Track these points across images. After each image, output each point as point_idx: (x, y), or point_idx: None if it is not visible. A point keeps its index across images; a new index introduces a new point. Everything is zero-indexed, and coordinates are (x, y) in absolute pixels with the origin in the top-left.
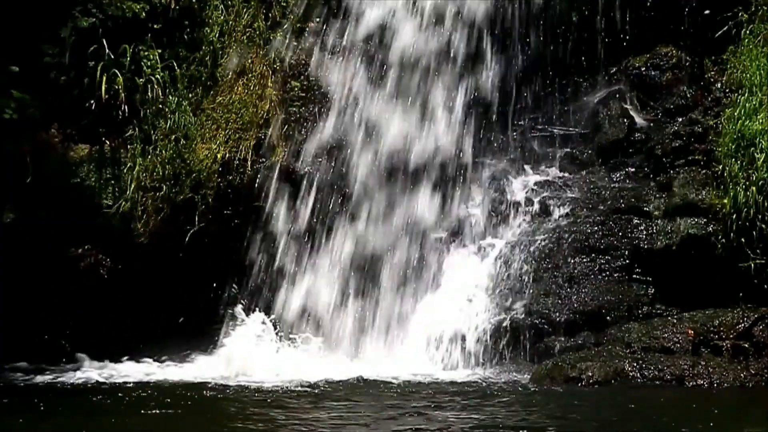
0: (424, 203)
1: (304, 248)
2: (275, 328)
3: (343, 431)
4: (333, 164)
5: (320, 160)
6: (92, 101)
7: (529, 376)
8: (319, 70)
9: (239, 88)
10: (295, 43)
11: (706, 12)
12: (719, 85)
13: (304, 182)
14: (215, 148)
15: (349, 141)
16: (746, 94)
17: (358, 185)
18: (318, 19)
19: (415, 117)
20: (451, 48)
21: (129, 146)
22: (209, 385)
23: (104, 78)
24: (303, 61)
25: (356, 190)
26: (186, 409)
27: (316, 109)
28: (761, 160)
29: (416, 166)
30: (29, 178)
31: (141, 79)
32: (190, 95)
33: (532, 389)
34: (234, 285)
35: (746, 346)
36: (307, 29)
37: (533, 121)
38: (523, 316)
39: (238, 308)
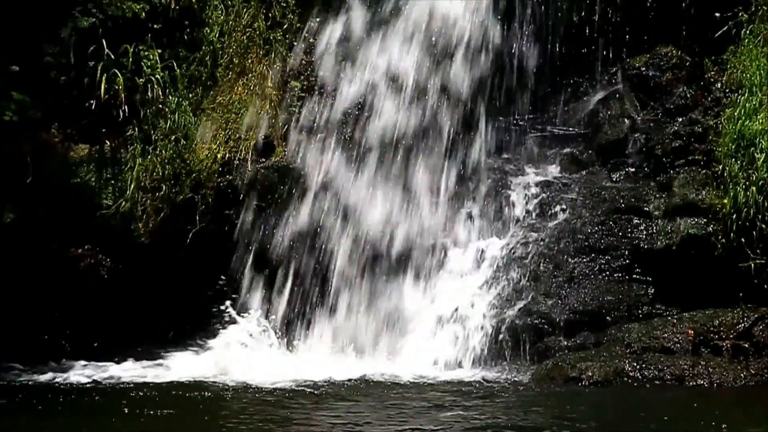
0: (408, 293)
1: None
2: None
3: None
4: (310, 251)
5: (297, 247)
6: (92, 101)
7: (529, 376)
8: (294, 150)
9: (239, 88)
10: (270, 120)
11: (716, 15)
12: (719, 85)
13: (280, 271)
14: (215, 148)
15: (326, 227)
16: (746, 94)
17: (337, 275)
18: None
19: (398, 199)
20: (437, 124)
21: (129, 146)
22: (209, 386)
23: (104, 78)
24: (279, 136)
25: (335, 280)
26: (185, 410)
27: (293, 192)
28: (761, 160)
29: (400, 253)
30: (29, 178)
31: (141, 79)
32: (190, 95)
33: (533, 389)
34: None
35: (746, 346)
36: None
37: (533, 122)
38: (523, 316)
39: (237, 309)
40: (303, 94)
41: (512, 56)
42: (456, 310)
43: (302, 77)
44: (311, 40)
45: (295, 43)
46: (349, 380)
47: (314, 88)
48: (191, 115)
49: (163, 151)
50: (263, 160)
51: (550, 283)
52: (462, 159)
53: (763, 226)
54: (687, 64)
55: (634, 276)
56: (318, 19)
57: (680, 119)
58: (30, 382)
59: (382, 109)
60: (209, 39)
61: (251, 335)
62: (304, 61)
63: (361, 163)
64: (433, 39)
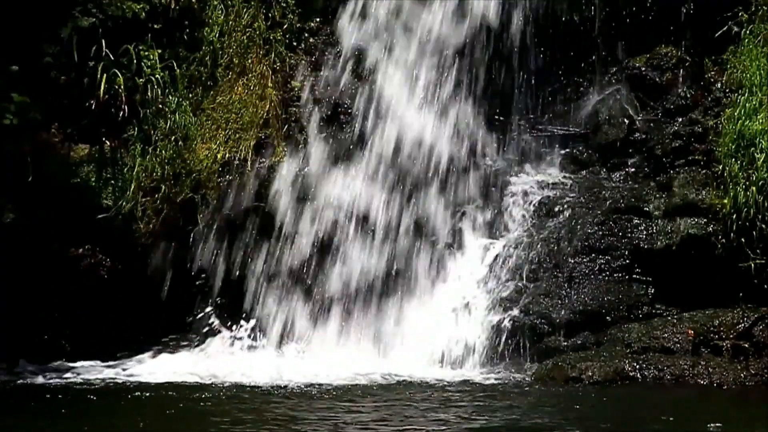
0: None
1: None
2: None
3: None
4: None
5: None
6: (92, 101)
7: (529, 376)
8: (253, 300)
9: (239, 88)
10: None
11: (721, 17)
12: (719, 85)
13: None
14: (215, 148)
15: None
16: (746, 94)
17: None
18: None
19: (371, 353)
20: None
21: (129, 146)
22: (209, 386)
23: (104, 78)
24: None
25: None
26: (185, 410)
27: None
28: (761, 160)
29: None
30: (29, 178)
31: (141, 79)
32: (190, 95)
33: (532, 389)
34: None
35: (746, 346)
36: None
37: (533, 121)
38: (523, 316)
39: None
40: (259, 237)
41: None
42: (456, 310)
43: (255, 217)
44: (266, 176)
45: (248, 178)
46: (348, 381)
47: (272, 229)
48: (191, 115)
49: (163, 151)
50: (263, 160)
51: (550, 283)
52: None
53: (763, 226)
54: (687, 64)
55: (634, 276)
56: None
57: (680, 119)
58: (30, 383)
59: (348, 251)
60: (209, 39)
61: (255, 336)
62: (258, 200)
63: (325, 313)
64: (404, 167)
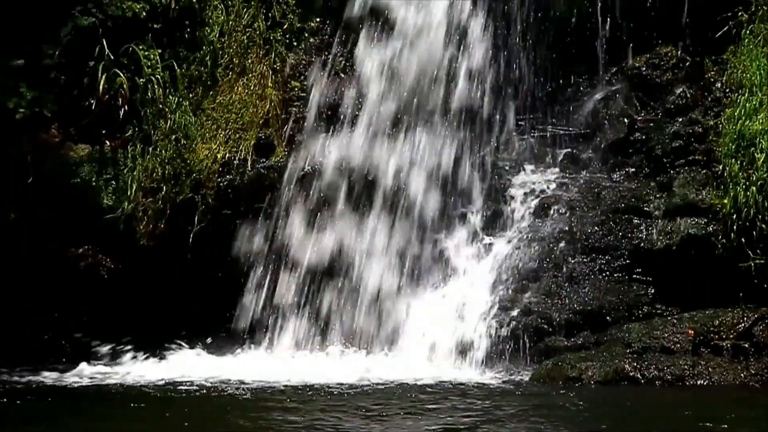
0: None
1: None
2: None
3: None
4: None
5: None
6: (92, 101)
7: (529, 377)
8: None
9: (239, 88)
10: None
11: (721, 16)
12: (719, 85)
13: None
14: (215, 148)
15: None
16: (746, 94)
17: None
18: None
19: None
20: None
21: (129, 146)
22: (211, 386)
23: (104, 78)
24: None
25: None
26: (186, 410)
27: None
28: (761, 160)
29: None
30: (30, 178)
31: (141, 79)
32: (190, 95)
33: (532, 389)
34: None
35: (746, 346)
36: None
37: (533, 121)
38: (523, 316)
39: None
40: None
41: None
42: (455, 309)
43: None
44: None
45: None
46: (346, 382)
47: None
48: (191, 115)
49: (163, 151)
50: (263, 160)
51: (550, 283)
52: None
53: (763, 226)
54: (687, 64)
55: (634, 276)
56: None
57: (680, 119)
58: (30, 384)
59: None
60: (209, 39)
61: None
62: None
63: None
64: None
